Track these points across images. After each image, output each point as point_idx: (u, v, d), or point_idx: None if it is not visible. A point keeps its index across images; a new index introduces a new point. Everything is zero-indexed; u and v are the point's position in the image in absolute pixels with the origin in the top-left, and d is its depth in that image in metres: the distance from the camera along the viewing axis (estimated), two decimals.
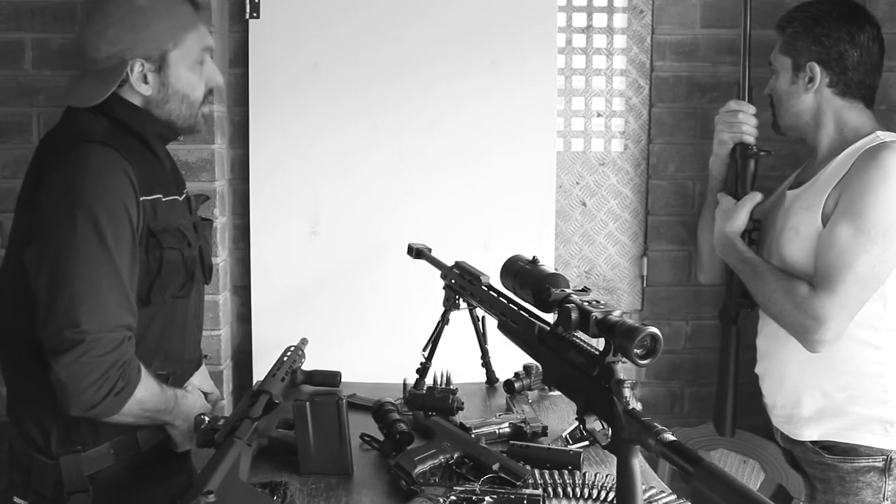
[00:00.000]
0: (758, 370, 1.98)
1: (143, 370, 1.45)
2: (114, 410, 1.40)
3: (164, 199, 1.52)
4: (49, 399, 1.40)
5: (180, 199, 1.63)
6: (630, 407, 1.10)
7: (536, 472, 1.49)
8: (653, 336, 1.08)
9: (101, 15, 1.49)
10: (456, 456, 1.51)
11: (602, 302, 1.19)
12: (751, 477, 2.07)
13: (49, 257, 1.38)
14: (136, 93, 1.52)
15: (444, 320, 1.98)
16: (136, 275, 1.45)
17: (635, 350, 1.08)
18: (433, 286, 1.97)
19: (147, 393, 1.45)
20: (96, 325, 1.37)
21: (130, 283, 1.43)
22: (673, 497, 1.43)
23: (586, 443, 1.67)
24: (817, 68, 1.82)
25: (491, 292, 1.60)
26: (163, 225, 1.50)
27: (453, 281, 1.85)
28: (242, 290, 2.38)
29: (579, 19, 2.40)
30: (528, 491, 1.38)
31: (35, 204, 1.43)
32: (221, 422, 1.51)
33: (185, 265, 1.56)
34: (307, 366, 2.02)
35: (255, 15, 2.28)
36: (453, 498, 1.36)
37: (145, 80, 1.51)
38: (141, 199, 1.45)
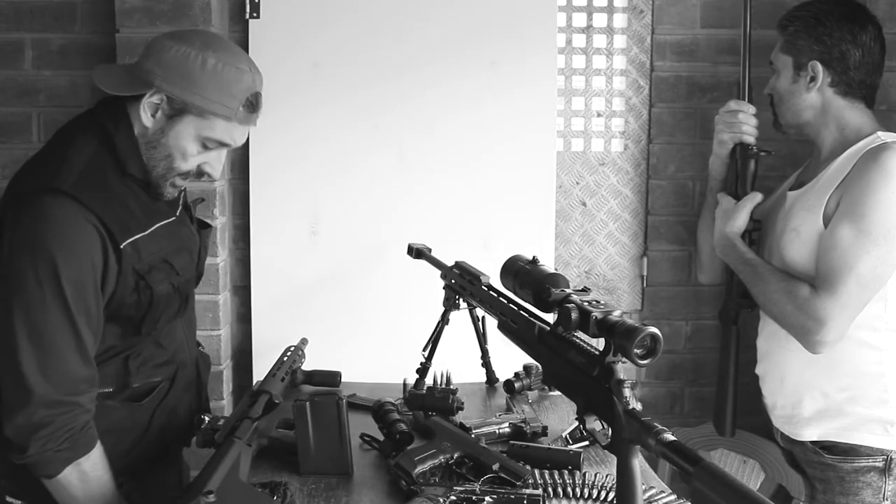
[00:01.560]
0: (758, 371, 1.98)
1: (102, 459, 1.43)
2: (51, 469, 1.39)
3: (146, 234, 1.47)
4: None
5: (175, 217, 1.59)
6: (630, 407, 1.10)
7: (536, 472, 1.49)
8: (653, 336, 1.08)
9: (182, 43, 1.44)
10: (456, 456, 1.51)
11: (602, 302, 1.19)
12: (751, 477, 2.07)
13: (5, 312, 1.36)
14: (139, 120, 1.47)
15: (444, 320, 1.98)
16: (100, 324, 1.43)
17: (635, 350, 1.08)
18: (433, 286, 1.97)
19: (96, 475, 1.42)
20: (49, 388, 1.36)
21: (94, 336, 1.41)
22: (673, 497, 1.43)
23: (586, 443, 1.67)
24: (819, 67, 1.81)
25: (491, 292, 1.59)
26: (148, 263, 1.47)
27: (453, 281, 1.85)
28: (242, 290, 2.38)
29: (579, 19, 2.40)
30: (528, 491, 1.38)
31: None
32: (221, 422, 1.51)
33: (178, 293, 1.55)
34: (307, 366, 2.02)
35: (255, 15, 2.28)
36: (453, 498, 1.36)
37: (153, 114, 1.46)
38: (122, 245, 1.42)
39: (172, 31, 1.52)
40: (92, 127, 1.48)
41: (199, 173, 1.53)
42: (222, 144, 1.50)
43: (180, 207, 1.64)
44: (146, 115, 1.46)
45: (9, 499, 1.48)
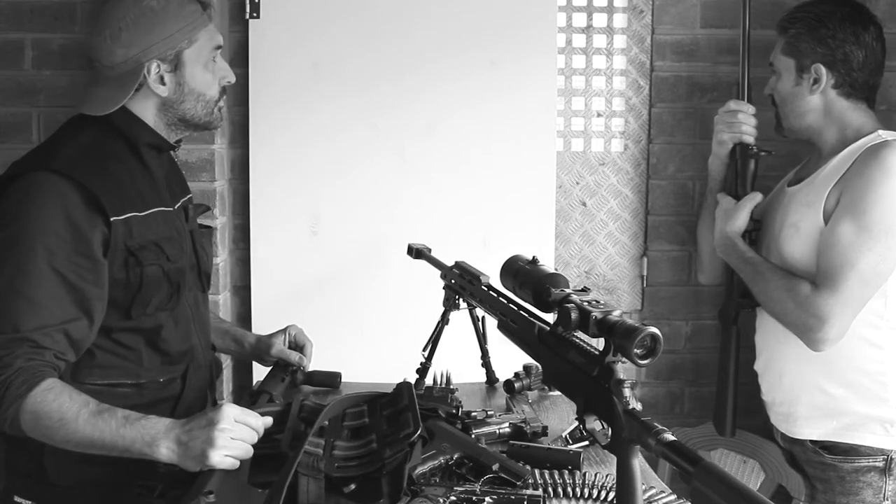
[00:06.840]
0: (756, 367, 1.98)
1: (48, 392, 1.30)
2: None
3: (140, 215, 1.49)
4: None
5: (172, 208, 1.60)
6: (630, 407, 1.10)
7: (536, 472, 1.49)
8: (653, 336, 1.08)
9: (112, 19, 1.49)
10: (456, 456, 1.51)
11: (602, 302, 1.19)
12: (751, 477, 2.07)
13: None
14: (153, 94, 1.53)
15: (444, 320, 1.98)
16: (93, 285, 1.41)
17: (635, 350, 1.08)
18: (433, 286, 1.97)
19: (53, 407, 1.29)
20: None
21: (70, 293, 1.38)
22: (673, 497, 1.43)
23: (586, 443, 1.67)
24: (823, 70, 1.80)
25: (491, 292, 1.59)
26: (139, 242, 1.47)
27: (453, 281, 1.85)
28: (242, 290, 2.38)
29: (579, 19, 2.40)
30: (528, 491, 1.38)
31: None
32: None
33: (168, 279, 1.53)
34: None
35: (255, 15, 2.28)
36: (453, 498, 1.36)
37: (162, 82, 1.53)
38: (112, 219, 1.42)
39: (95, 15, 1.58)
40: (94, 119, 1.52)
41: (223, 90, 1.62)
42: (218, 48, 1.60)
43: (180, 203, 1.65)
44: (160, 88, 1.53)
45: (17, 498, 1.48)
